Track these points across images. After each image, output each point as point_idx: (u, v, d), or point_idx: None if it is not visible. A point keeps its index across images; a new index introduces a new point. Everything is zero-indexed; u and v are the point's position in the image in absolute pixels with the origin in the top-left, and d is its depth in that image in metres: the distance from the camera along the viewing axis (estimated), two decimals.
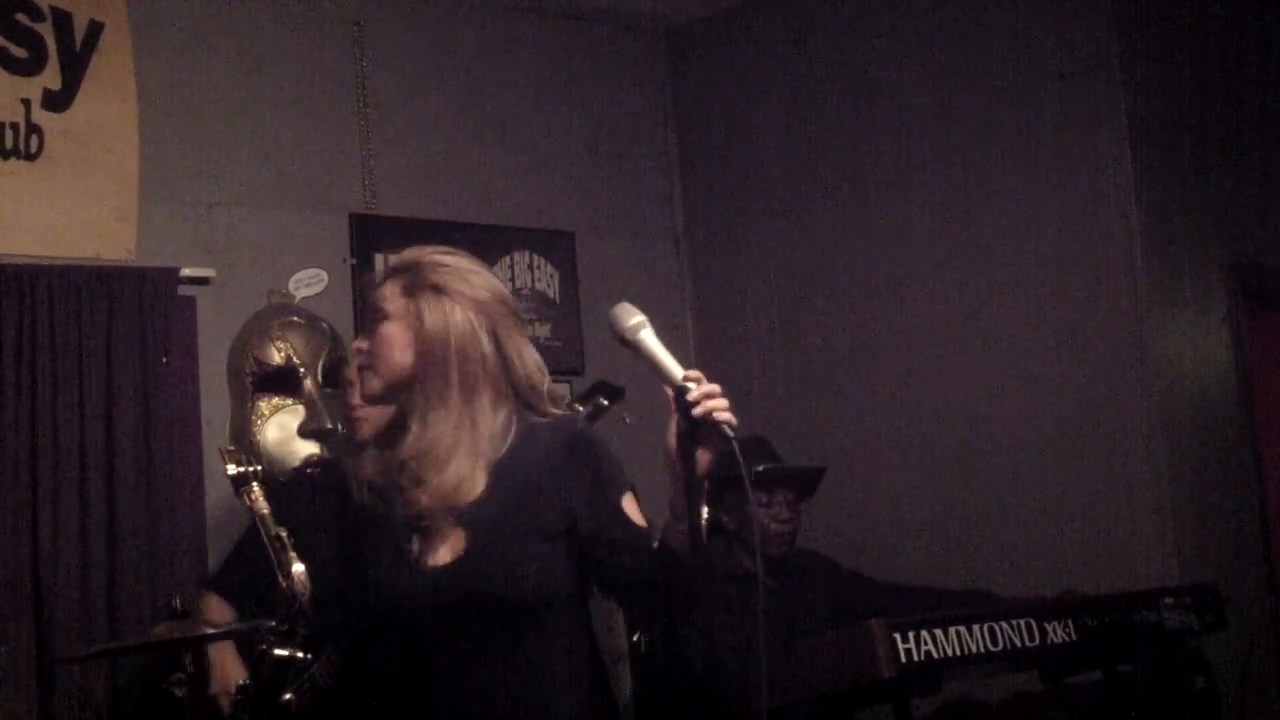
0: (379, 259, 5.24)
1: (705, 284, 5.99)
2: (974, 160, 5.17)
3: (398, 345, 2.65)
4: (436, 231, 5.37)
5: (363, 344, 2.71)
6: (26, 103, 4.57)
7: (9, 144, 4.53)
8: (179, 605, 3.52)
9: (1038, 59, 5.02)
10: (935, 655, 3.55)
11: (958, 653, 3.60)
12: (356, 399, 4.11)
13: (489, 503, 2.61)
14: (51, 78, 4.62)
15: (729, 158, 5.95)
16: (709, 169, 6.02)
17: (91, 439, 4.49)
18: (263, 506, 3.28)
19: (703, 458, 2.46)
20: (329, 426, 4.56)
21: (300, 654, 3.21)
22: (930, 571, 4.80)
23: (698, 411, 2.41)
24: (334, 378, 4.70)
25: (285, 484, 4.38)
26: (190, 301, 4.81)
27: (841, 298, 5.54)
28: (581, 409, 4.04)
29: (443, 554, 2.61)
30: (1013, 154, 5.08)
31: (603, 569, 2.63)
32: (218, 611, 4.10)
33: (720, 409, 2.42)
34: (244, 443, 4.50)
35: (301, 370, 4.63)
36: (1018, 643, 3.71)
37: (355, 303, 5.17)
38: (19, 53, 4.58)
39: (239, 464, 3.38)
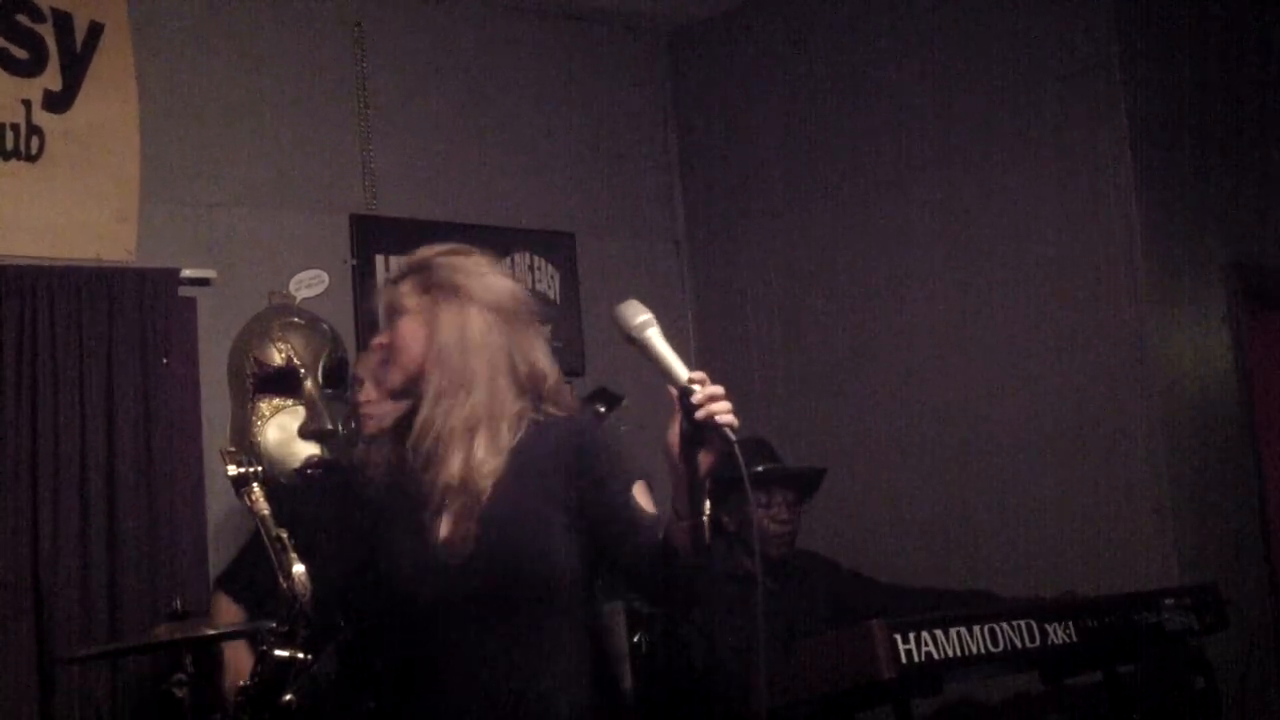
0: (379, 260, 5.25)
1: (706, 284, 5.99)
2: (974, 160, 5.18)
3: (415, 340, 2.70)
4: (437, 232, 5.33)
5: (383, 339, 2.76)
6: (27, 104, 4.57)
7: (10, 145, 4.53)
8: (179, 606, 3.52)
9: (1038, 59, 5.02)
10: (936, 656, 3.55)
11: (958, 653, 3.60)
12: (365, 395, 4.12)
13: (502, 490, 2.65)
14: (52, 79, 4.62)
15: (729, 158, 5.95)
16: (709, 170, 6.02)
17: (92, 440, 4.49)
18: (263, 508, 3.28)
19: (704, 458, 2.46)
20: (329, 427, 4.57)
21: (301, 655, 3.21)
22: (930, 572, 4.80)
23: (701, 414, 2.42)
24: (335, 378, 4.70)
25: (289, 487, 4.39)
26: (191, 302, 4.81)
27: (842, 298, 5.55)
28: None
29: (456, 538, 2.66)
30: (1013, 154, 5.08)
31: (608, 556, 2.67)
32: (227, 611, 4.11)
33: (723, 411, 2.43)
34: (244, 444, 4.50)
35: (302, 371, 4.63)
36: (1018, 643, 3.71)
37: (356, 303, 5.17)
38: (20, 54, 4.58)
39: (239, 465, 3.37)
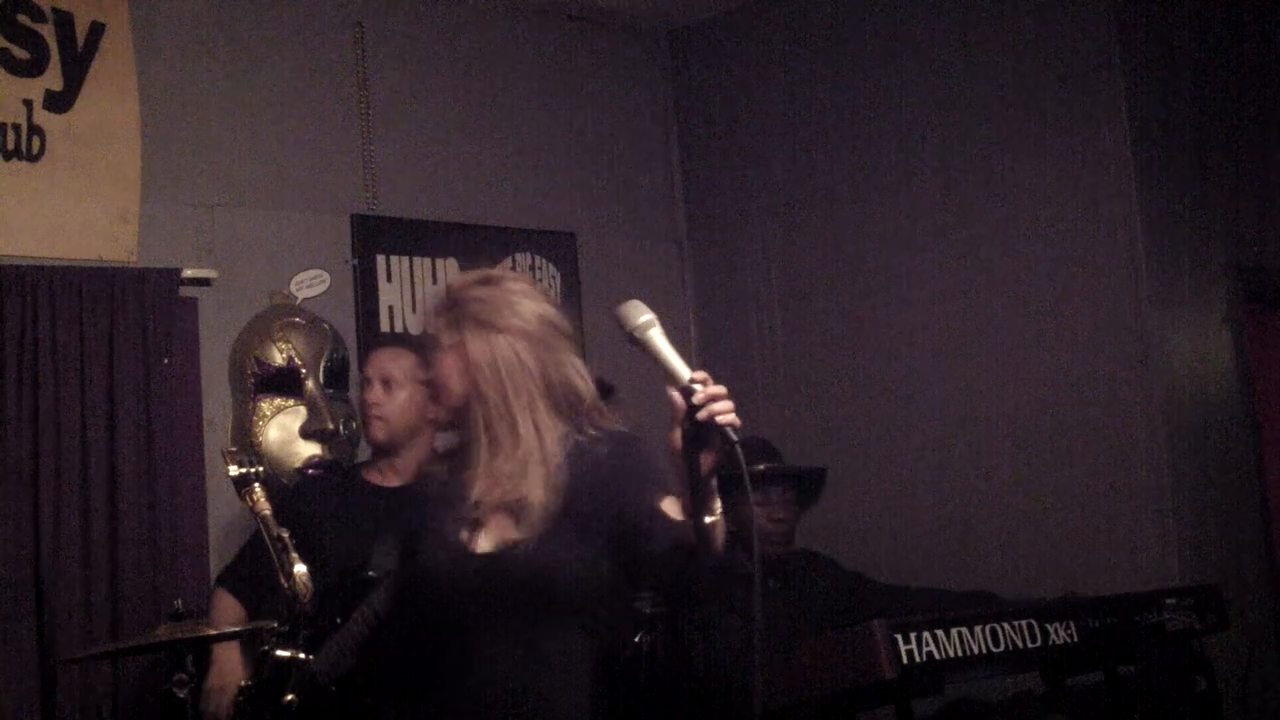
0: (380, 259, 5.25)
1: (707, 284, 5.99)
2: (975, 162, 5.18)
3: (453, 376, 2.76)
4: (438, 233, 5.38)
5: (423, 375, 2.86)
6: (28, 104, 4.57)
7: (11, 145, 4.53)
8: (180, 606, 3.53)
9: (1039, 60, 5.02)
10: (937, 656, 3.55)
11: (959, 654, 3.59)
12: (374, 396, 4.13)
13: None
14: (53, 79, 4.62)
15: (730, 158, 5.95)
16: (710, 169, 6.02)
17: (93, 440, 4.49)
18: (265, 508, 3.29)
19: (706, 458, 2.48)
20: (330, 427, 4.57)
21: (302, 655, 3.22)
22: (931, 572, 4.80)
23: (702, 413, 2.43)
24: (336, 378, 4.71)
25: (290, 486, 4.39)
26: (192, 302, 4.81)
27: (842, 298, 5.55)
28: None
29: (489, 542, 2.72)
30: (1014, 154, 5.08)
31: (631, 557, 2.71)
32: (227, 608, 4.11)
33: (725, 410, 2.43)
34: (246, 443, 4.51)
35: (303, 371, 4.63)
36: (1019, 643, 3.71)
37: (357, 303, 5.18)
38: (21, 54, 4.58)
39: (241, 465, 3.38)
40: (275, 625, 3.26)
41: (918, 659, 3.51)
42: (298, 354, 4.63)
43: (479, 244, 5.46)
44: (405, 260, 5.30)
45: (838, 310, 5.56)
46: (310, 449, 4.61)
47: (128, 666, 4.42)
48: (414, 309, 5.29)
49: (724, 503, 2.60)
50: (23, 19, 4.59)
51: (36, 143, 4.57)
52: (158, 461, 4.59)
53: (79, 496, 4.45)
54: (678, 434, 2.48)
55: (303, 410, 4.62)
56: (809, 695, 3.61)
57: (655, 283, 5.82)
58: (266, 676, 3.23)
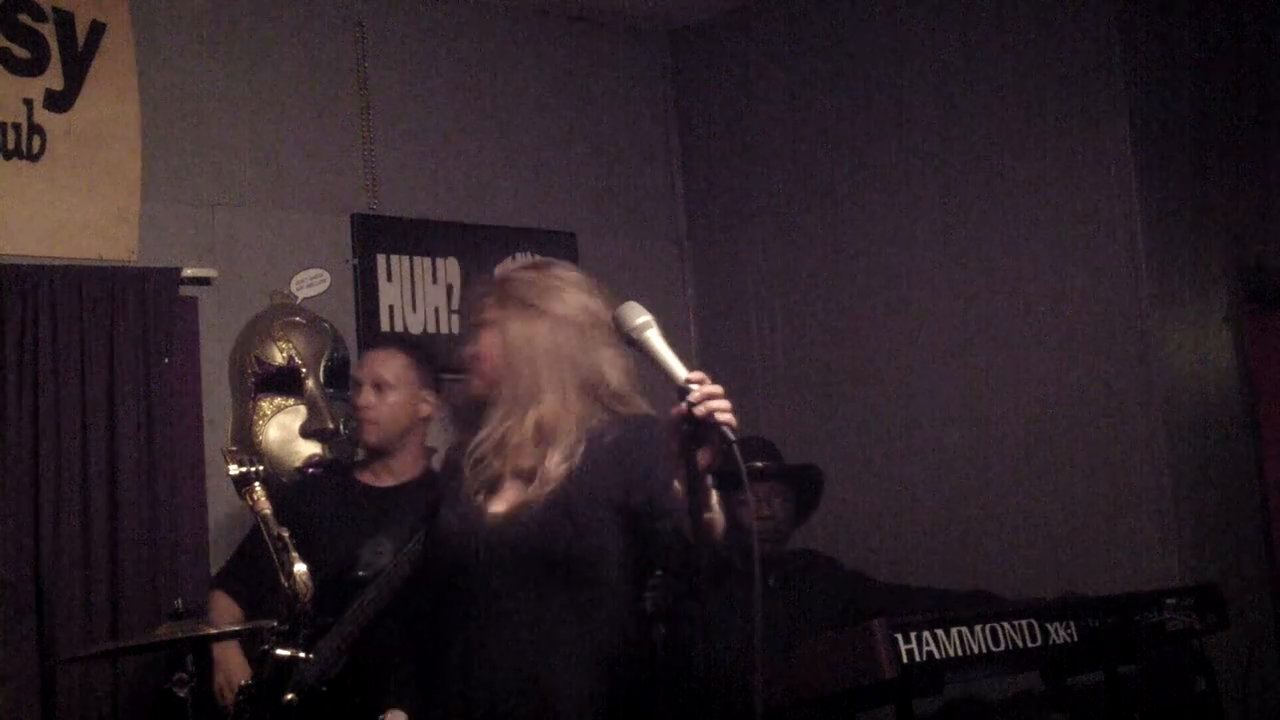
0: (381, 259, 5.25)
1: (707, 284, 5.99)
2: (975, 161, 5.17)
3: (492, 350, 2.90)
4: (438, 232, 5.38)
5: (469, 350, 2.97)
6: (29, 103, 4.58)
7: (11, 144, 4.54)
8: (181, 605, 3.53)
9: (1039, 59, 5.02)
10: (937, 656, 3.54)
11: (959, 653, 3.59)
12: (364, 399, 4.13)
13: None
14: (54, 78, 4.63)
15: (731, 158, 5.95)
16: (711, 169, 6.02)
17: (93, 439, 4.49)
18: (265, 507, 3.29)
19: (703, 456, 2.52)
20: (331, 427, 4.57)
21: (302, 654, 3.22)
22: (932, 571, 4.80)
23: (699, 411, 2.46)
24: (336, 378, 4.71)
25: (289, 484, 4.39)
26: (192, 302, 4.81)
27: (843, 298, 5.54)
28: None
29: (505, 513, 2.85)
30: (1014, 154, 5.08)
31: (646, 534, 2.81)
32: (224, 609, 4.12)
33: (722, 410, 2.45)
34: (246, 443, 4.51)
35: (303, 370, 4.64)
36: (1019, 643, 3.70)
37: (357, 302, 5.18)
38: (21, 53, 4.58)
39: (241, 464, 3.39)
40: (275, 624, 3.26)
41: (918, 658, 3.51)
42: (298, 353, 4.63)
43: (479, 244, 5.46)
44: (405, 260, 5.30)
45: (838, 310, 5.56)
46: (310, 448, 4.61)
47: (128, 666, 4.43)
48: (414, 308, 5.29)
49: (721, 499, 2.64)
50: (23, 18, 4.60)
51: (37, 142, 4.58)
52: (158, 461, 4.59)
53: (79, 496, 4.45)
54: (675, 433, 2.52)
55: (303, 410, 4.62)
56: (809, 695, 3.61)
57: (655, 282, 5.82)
58: (266, 676, 3.23)
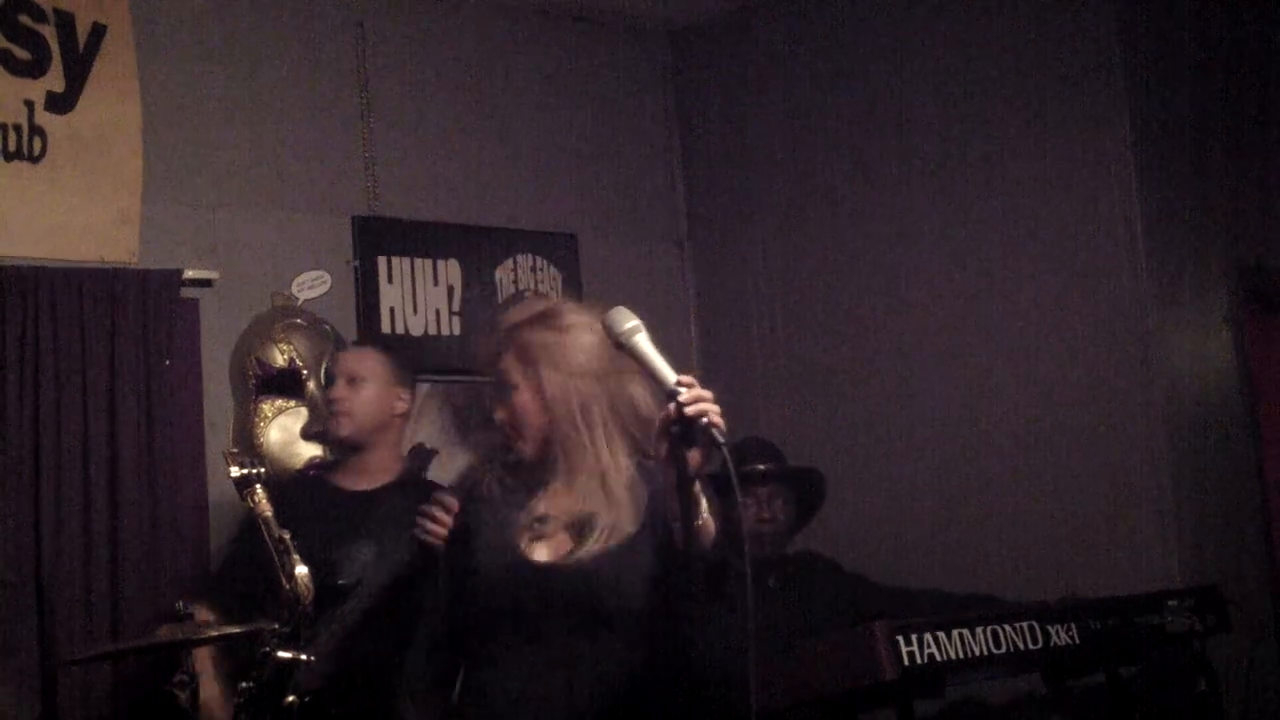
0: (381, 261, 5.24)
1: (708, 285, 5.99)
2: (976, 162, 5.17)
3: (531, 411, 2.90)
4: (440, 234, 5.38)
5: (501, 414, 2.96)
6: (30, 105, 4.58)
7: (12, 146, 4.54)
8: (181, 607, 3.53)
9: (1040, 60, 5.01)
10: (938, 658, 3.55)
11: (960, 656, 3.59)
12: (338, 393, 4.13)
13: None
14: (55, 80, 4.63)
15: (732, 158, 5.95)
16: (712, 170, 6.02)
17: (94, 441, 4.49)
18: (266, 509, 3.29)
19: (692, 458, 2.55)
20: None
21: (304, 657, 3.22)
22: (932, 573, 4.80)
23: (690, 411, 2.49)
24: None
25: (282, 482, 4.38)
26: (193, 304, 4.81)
27: (843, 298, 5.54)
28: None
29: (548, 552, 2.87)
30: (1014, 154, 5.07)
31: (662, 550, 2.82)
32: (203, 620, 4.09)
33: (711, 412, 2.48)
34: (247, 445, 4.51)
35: (304, 372, 4.64)
36: (1020, 646, 3.71)
37: (358, 304, 5.18)
38: (22, 55, 4.59)
39: (242, 466, 3.39)
40: (276, 626, 3.26)
41: (919, 661, 3.51)
42: (299, 355, 4.64)
43: (480, 245, 5.46)
44: (406, 261, 5.30)
45: (838, 310, 5.56)
46: (311, 450, 4.62)
47: (128, 667, 4.42)
48: (415, 310, 5.29)
49: (714, 503, 2.65)
50: (24, 20, 4.60)
51: (38, 144, 4.58)
52: (159, 462, 4.59)
53: (80, 497, 4.45)
54: (664, 436, 2.56)
55: (304, 412, 4.63)
56: (809, 696, 3.61)
57: (656, 283, 5.82)
58: (267, 678, 3.23)
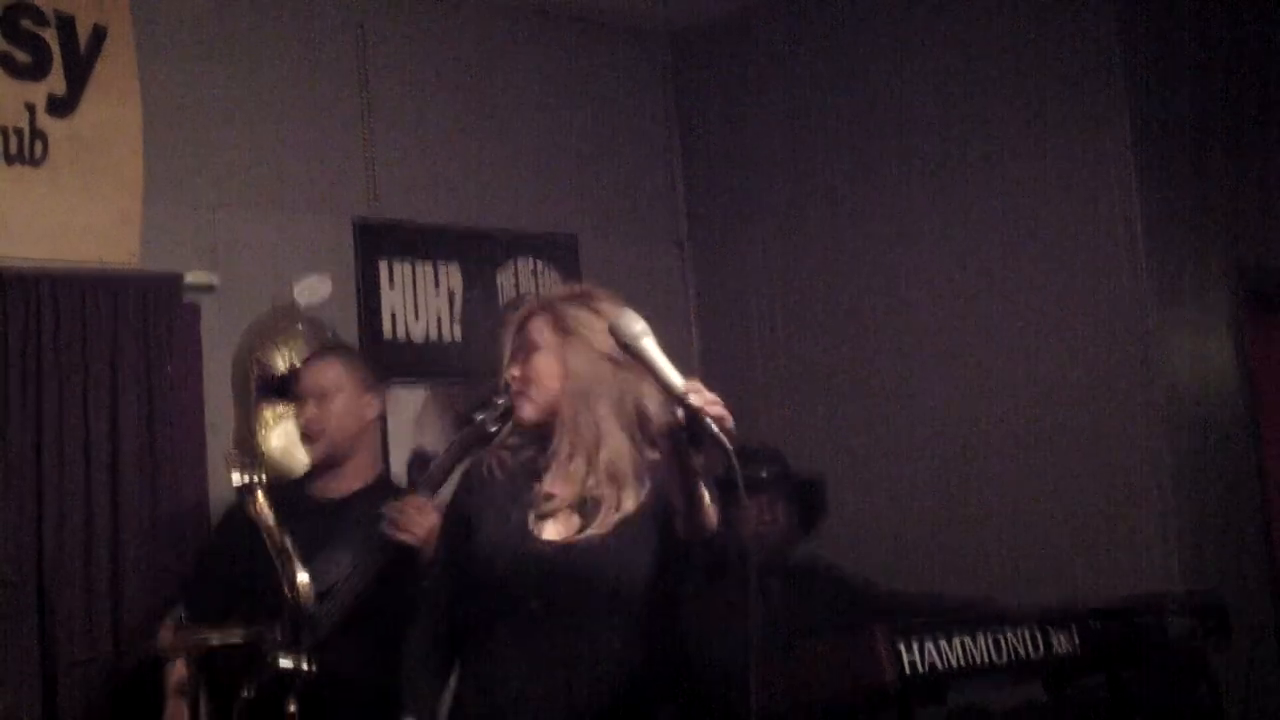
0: (383, 264, 5.24)
1: (709, 287, 6.00)
2: (976, 162, 5.18)
3: (549, 375, 2.94)
4: (441, 238, 5.37)
5: (515, 371, 2.99)
6: (30, 107, 4.57)
7: (13, 149, 4.53)
8: (182, 615, 3.53)
9: (1040, 60, 5.02)
10: (938, 663, 3.55)
11: (961, 661, 3.60)
12: (309, 414, 4.06)
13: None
14: (56, 82, 4.62)
15: (732, 159, 5.95)
16: (712, 171, 6.02)
17: (95, 444, 4.49)
18: (268, 516, 3.29)
19: (697, 460, 2.60)
20: None
21: (305, 664, 3.22)
22: (931, 572, 4.81)
23: (710, 411, 2.51)
24: None
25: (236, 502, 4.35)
26: (194, 307, 4.81)
27: (844, 299, 5.55)
28: None
29: (555, 533, 2.91)
30: (1015, 155, 5.08)
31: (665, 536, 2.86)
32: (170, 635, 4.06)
33: (720, 418, 2.49)
34: (248, 449, 4.50)
35: None
36: (1021, 652, 3.71)
37: (359, 307, 5.17)
38: (23, 57, 4.58)
39: (244, 471, 3.38)
40: (277, 633, 3.26)
41: (920, 667, 3.52)
42: (300, 361, 4.63)
43: (481, 248, 5.46)
44: (408, 265, 5.30)
45: (838, 311, 5.56)
46: None
47: (128, 669, 4.43)
48: (416, 316, 5.28)
49: (714, 494, 2.69)
50: (25, 23, 4.59)
51: (39, 147, 4.57)
52: (160, 464, 4.59)
53: (81, 500, 4.45)
54: (669, 438, 2.61)
55: None
56: (810, 700, 3.61)
57: (657, 284, 5.81)
58: (268, 685, 3.23)
